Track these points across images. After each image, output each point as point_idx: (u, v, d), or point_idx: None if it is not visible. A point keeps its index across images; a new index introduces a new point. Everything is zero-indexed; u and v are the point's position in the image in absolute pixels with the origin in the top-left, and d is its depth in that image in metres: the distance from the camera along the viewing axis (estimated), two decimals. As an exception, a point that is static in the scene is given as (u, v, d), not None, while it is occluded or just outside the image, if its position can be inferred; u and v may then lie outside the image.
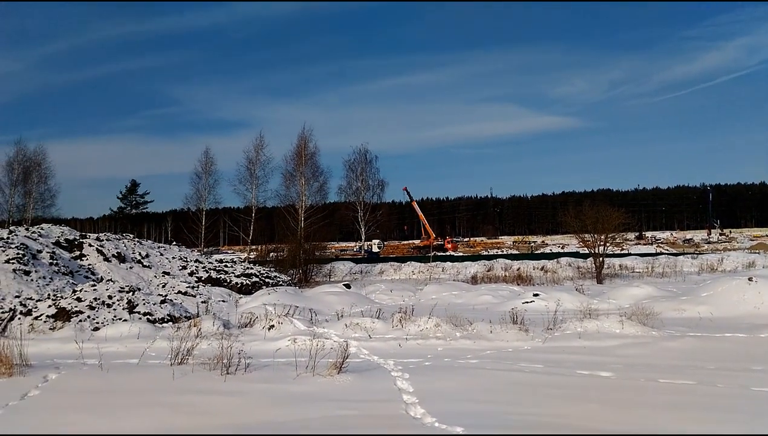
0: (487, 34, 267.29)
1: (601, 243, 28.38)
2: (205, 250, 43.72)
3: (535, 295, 17.71)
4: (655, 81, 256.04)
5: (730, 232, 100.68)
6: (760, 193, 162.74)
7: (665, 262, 33.54)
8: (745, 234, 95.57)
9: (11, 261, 16.72)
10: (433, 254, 52.56)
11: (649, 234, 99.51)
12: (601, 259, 28.39)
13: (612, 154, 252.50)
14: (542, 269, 33.11)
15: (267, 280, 24.79)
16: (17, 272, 16.40)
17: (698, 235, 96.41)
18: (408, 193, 78.05)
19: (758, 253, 41.59)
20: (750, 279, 15.02)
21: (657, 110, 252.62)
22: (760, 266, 30.49)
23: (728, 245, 64.36)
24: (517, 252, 61.33)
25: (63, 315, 13.46)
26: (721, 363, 8.71)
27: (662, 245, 68.52)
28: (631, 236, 64.77)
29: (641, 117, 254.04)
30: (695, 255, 40.01)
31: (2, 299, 14.57)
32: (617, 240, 30.14)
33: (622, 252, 37.90)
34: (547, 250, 65.04)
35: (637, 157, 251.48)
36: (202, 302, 18.05)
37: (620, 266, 33.05)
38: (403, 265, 38.26)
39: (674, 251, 50.67)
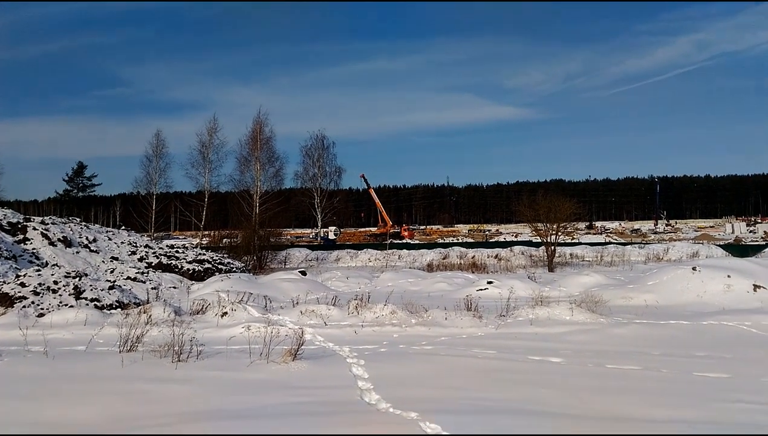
0: (447, 24, 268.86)
1: (553, 232, 28.96)
2: (155, 235, 42.76)
3: (489, 282, 17.97)
4: (608, 74, 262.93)
5: (676, 223, 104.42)
6: (705, 186, 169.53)
7: (614, 251, 34.48)
8: (690, 225, 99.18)
9: (-51, 244, 15.96)
10: (389, 241, 52.72)
11: (598, 224, 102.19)
12: (552, 248, 29.00)
13: (566, 145, 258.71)
14: (496, 257, 33.59)
15: (220, 266, 24.39)
16: (-45, 255, 15.67)
17: (645, 225, 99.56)
18: (365, 180, 77.98)
19: (702, 243, 43.18)
20: (694, 269, 15.59)
21: (609, 103, 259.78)
22: (704, 256, 31.64)
23: (674, 236, 66.58)
24: (472, 240, 62.06)
25: (5, 301, 12.94)
26: (665, 349, 9.03)
27: (611, 235, 70.42)
28: (582, 225, 66.48)
29: (594, 109, 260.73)
30: (642, 245, 41.23)
31: (-61, 284, 13.90)
32: (568, 229, 30.82)
33: (573, 241, 38.85)
34: (501, 238, 66.02)
35: (590, 149, 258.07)
36: (152, 289, 17.63)
37: (571, 254, 33.84)
38: (359, 252, 38.24)
39: (622, 241, 52.12)
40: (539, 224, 29.66)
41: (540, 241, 31.37)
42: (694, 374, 7.41)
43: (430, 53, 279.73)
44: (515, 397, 6.23)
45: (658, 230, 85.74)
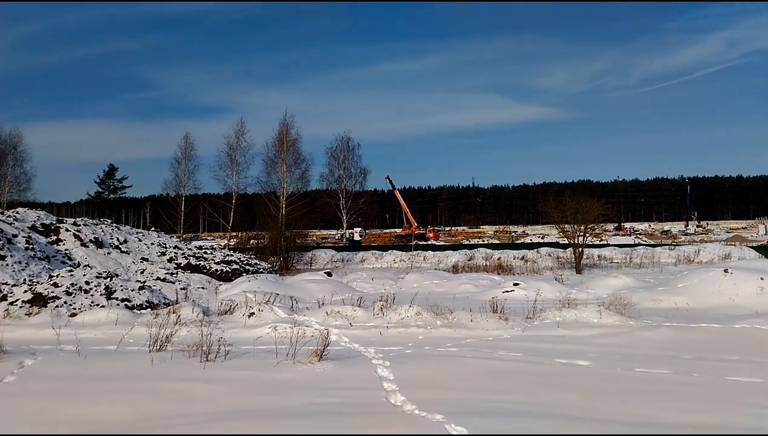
0: (471, 24, 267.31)
1: (581, 234, 28.64)
2: (184, 236, 43.38)
3: (515, 284, 17.84)
4: (636, 73, 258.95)
5: (707, 224, 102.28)
6: (737, 186, 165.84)
7: (643, 253, 33.93)
8: (722, 226, 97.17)
9: (-14, 245, 16.41)
10: (414, 242, 52.63)
11: (627, 225, 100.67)
12: (580, 249, 28.66)
13: (593, 146, 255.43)
14: (522, 258, 33.33)
15: (247, 267, 24.64)
16: (-8, 256, 16.11)
17: (676, 226, 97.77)
18: (390, 181, 78.04)
19: (734, 245, 42.23)
20: (726, 271, 15.26)
21: (637, 102, 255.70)
22: (736, 257, 30.96)
23: (705, 237, 65.28)
24: (498, 242, 61.65)
25: (39, 301, 13.25)
26: (696, 353, 8.86)
27: (640, 236, 69.31)
28: (610, 227, 65.52)
29: (622, 109, 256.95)
30: (672, 246, 40.50)
31: (-24, 283, 14.30)
32: (596, 231, 30.43)
33: (601, 243, 38.29)
34: (527, 240, 65.52)
35: (618, 149, 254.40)
36: (181, 289, 17.89)
37: (599, 256, 33.39)
38: (384, 253, 38.27)
39: (652, 243, 51.28)
40: (566, 226, 29.36)
41: (567, 242, 31.03)
42: (725, 379, 7.25)
43: (455, 54, 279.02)
44: (542, 400, 6.17)
45: (688, 231, 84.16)
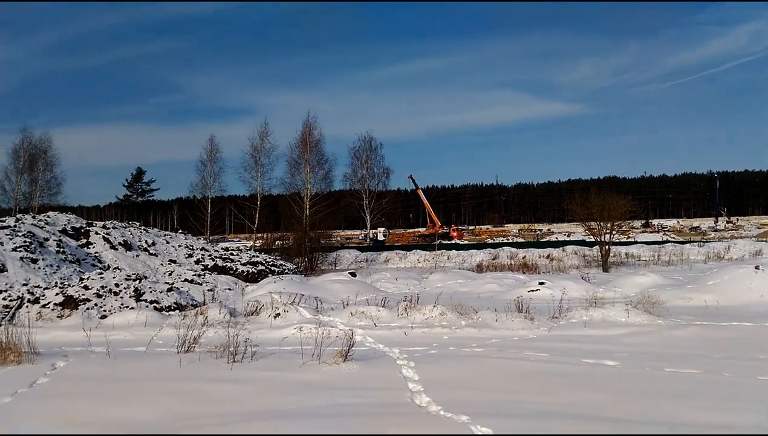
0: (492, 20, 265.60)
1: (607, 231, 28.29)
2: (211, 238, 43.88)
3: (541, 283, 17.69)
4: (660, 67, 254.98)
5: (737, 220, 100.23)
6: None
7: (671, 250, 33.40)
8: (753, 222, 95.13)
9: (18, 249, 16.80)
10: (438, 242, 52.56)
11: (655, 222, 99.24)
12: (607, 247, 28.31)
13: (618, 142, 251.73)
14: (548, 257, 33.07)
15: (273, 268, 24.84)
16: (24, 260, 16.49)
17: (705, 223, 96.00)
18: (413, 181, 78.00)
19: (765, 241, 41.38)
20: (757, 267, 14.95)
21: (663, 97, 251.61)
22: (767, 254, 30.33)
23: (735, 233, 64.01)
24: (523, 240, 61.23)
25: (70, 303, 13.54)
26: (727, 352, 8.69)
27: (669, 233, 68.26)
28: (638, 224, 64.70)
29: (647, 103, 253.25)
30: (702, 243, 39.84)
31: (10, 287, 14.66)
32: (623, 228, 30.04)
33: (629, 240, 37.78)
34: (552, 238, 64.92)
35: (644, 145, 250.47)
36: (208, 290, 18.12)
37: (626, 254, 32.95)
38: (408, 253, 38.27)
39: (681, 239, 50.45)
40: (592, 223, 29.04)
41: (593, 240, 30.68)
42: (757, 378, 7.10)
43: (475, 51, 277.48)
44: (569, 401, 6.12)
45: (718, 227, 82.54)
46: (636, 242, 41.13)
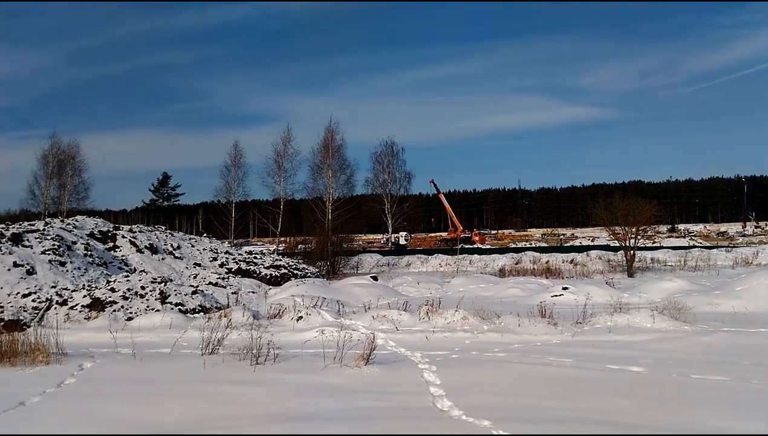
0: (513, 25, 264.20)
1: (633, 236, 27.92)
2: (235, 241, 44.30)
3: (564, 288, 17.53)
4: (686, 70, 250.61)
5: (766, 224, 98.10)
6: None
7: (698, 255, 32.84)
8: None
9: (47, 252, 17.15)
10: (460, 246, 52.30)
11: (681, 227, 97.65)
12: (632, 252, 27.94)
13: (643, 146, 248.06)
14: (571, 262, 32.74)
15: (296, 271, 24.98)
16: (53, 262, 16.82)
17: (733, 227, 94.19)
18: (435, 185, 77.80)
19: (796, 246, 40.45)
20: (787, 273, 14.62)
21: (690, 100, 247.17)
22: (798, 259, 29.66)
23: (764, 238, 62.59)
24: (546, 245, 60.70)
25: (97, 305, 13.78)
26: (756, 359, 8.52)
27: (695, 238, 67.08)
28: (664, 228, 63.70)
29: (673, 107, 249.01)
30: (729, 248, 39.11)
31: (39, 288, 14.97)
32: (649, 233, 29.60)
33: (654, 245, 37.24)
34: (576, 243, 64.25)
35: (670, 149, 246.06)
36: (232, 293, 18.29)
37: (652, 259, 32.48)
38: (430, 257, 38.20)
39: (708, 244, 49.60)
40: (617, 228, 28.67)
41: (618, 245, 30.29)
42: (788, 387, 6.95)
43: (497, 55, 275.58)
44: (593, 407, 6.05)
45: (746, 232, 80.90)
46: (662, 247, 40.53)
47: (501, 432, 5.14)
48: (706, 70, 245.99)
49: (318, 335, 10.51)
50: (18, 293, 14.41)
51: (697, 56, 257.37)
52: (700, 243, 53.87)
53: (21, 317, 13.27)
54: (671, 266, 31.10)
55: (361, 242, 57.29)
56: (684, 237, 70.64)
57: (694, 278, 21.51)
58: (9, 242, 16.78)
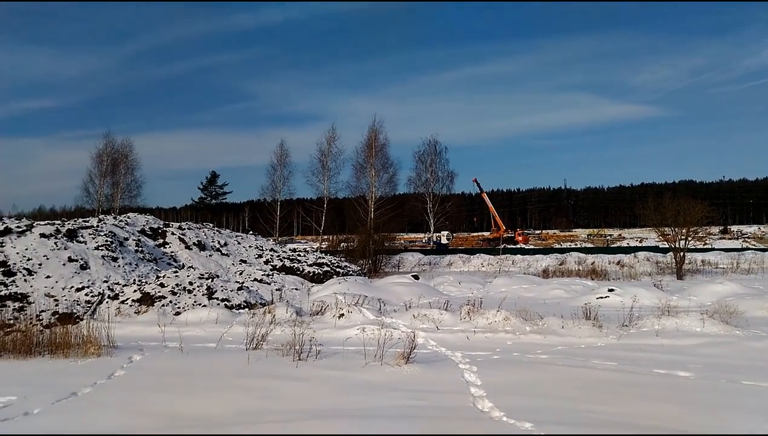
0: (559, 22, 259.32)
1: (683, 237, 27.14)
2: (279, 239, 44.96)
3: (610, 290, 17.16)
4: (740, 67, 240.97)
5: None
6: None
7: (752, 257, 31.68)
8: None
9: (100, 248, 17.78)
10: (503, 246, 51.77)
11: (734, 228, 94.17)
12: (681, 254, 27.15)
13: (694, 145, 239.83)
14: (618, 263, 32.04)
15: (338, 269, 25.19)
16: (106, 258, 17.43)
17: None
18: (478, 184, 77.24)
19: None
20: None
21: (743, 98, 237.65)
22: None
23: (824, 241, 59.98)
24: (592, 245, 59.49)
25: (147, 300, 14.21)
26: (812, 367, 8.19)
27: (749, 240, 64.70)
28: (715, 230, 61.66)
29: (726, 105, 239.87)
30: (786, 251, 37.59)
31: (92, 283, 15.53)
32: (700, 234, 28.73)
33: (705, 247, 36.13)
34: (623, 244, 62.84)
35: (722, 148, 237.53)
36: (276, 290, 18.58)
37: (702, 261, 31.51)
38: (472, 257, 37.96)
39: (762, 247, 47.77)
40: (666, 229, 27.93)
41: (667, 246, 29.47)
42: None
43: (542, 53, 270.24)
44: (638, 412, 5.93)
45: (805, 234, 77.56)
46: (713, 249, 39.28)
47: (543, 434, 5.09)
48: (759, 66, 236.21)
49: (359, 333, 10.60)
50: (72, 286, 15.00)
51: (751, 53, 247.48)
52: (754, 245, 51.95)
53: (74, 311, 13.80)
54: (723, 268, 30.10)
55: (402, 241, 57.28)
56: (737, 239, 68.24)
57: (746, 281, 20.77)
58: (64, 238, 17.46)
